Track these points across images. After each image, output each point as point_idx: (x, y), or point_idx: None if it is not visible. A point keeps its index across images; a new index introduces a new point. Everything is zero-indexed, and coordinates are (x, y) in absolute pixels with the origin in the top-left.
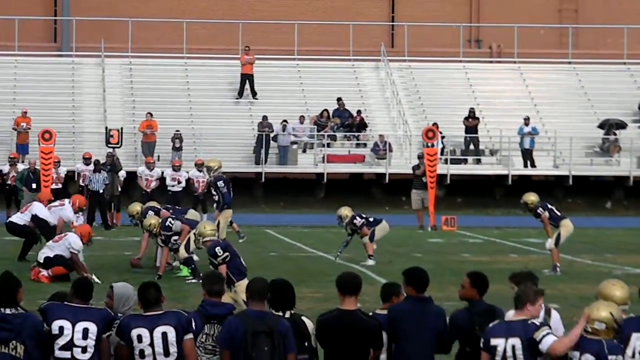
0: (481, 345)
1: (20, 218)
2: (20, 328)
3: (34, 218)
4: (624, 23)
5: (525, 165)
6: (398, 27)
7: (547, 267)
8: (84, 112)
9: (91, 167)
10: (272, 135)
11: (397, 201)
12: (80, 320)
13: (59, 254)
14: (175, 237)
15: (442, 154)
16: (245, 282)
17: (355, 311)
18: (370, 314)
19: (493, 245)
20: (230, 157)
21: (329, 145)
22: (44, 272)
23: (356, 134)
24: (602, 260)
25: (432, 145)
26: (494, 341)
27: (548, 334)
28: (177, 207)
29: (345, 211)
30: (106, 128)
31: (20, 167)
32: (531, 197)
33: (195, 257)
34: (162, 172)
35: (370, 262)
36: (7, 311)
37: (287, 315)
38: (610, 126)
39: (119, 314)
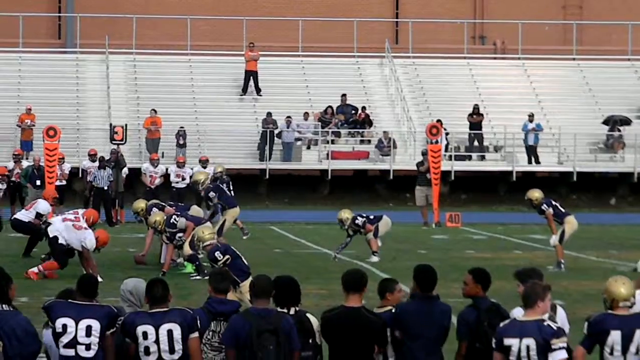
0: (493, 345)
1: (25, 215)
2: (1, 325)
3: (52, 240)
4: (629, 19)
5: (530, 162)
6: (402, 24)
7: (552, 263)
8: (89, 109)
9: (97, 163)
10: (276, 131)
11: (402, 198)
12: (83, 317)
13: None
14: (180, 234)
15: (446, 150)
16: (249, 280)
17: (360, 308)
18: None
19: (497, 241)
20: (235, 153)
21: (333, 141)
22: (34, 269)
23: (360, 130)
24: (606, 257)
25: (436, 142)
26: (507, 341)
27: (561, 348)
28: (180, 203)
29: (346, 214)
30: (110, 125)
31: (25, 163)
32: (535, 194)
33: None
34: (166, 169)
35: (375, 258)
36: None
37: (292, 312)
38: (614, 122)
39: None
